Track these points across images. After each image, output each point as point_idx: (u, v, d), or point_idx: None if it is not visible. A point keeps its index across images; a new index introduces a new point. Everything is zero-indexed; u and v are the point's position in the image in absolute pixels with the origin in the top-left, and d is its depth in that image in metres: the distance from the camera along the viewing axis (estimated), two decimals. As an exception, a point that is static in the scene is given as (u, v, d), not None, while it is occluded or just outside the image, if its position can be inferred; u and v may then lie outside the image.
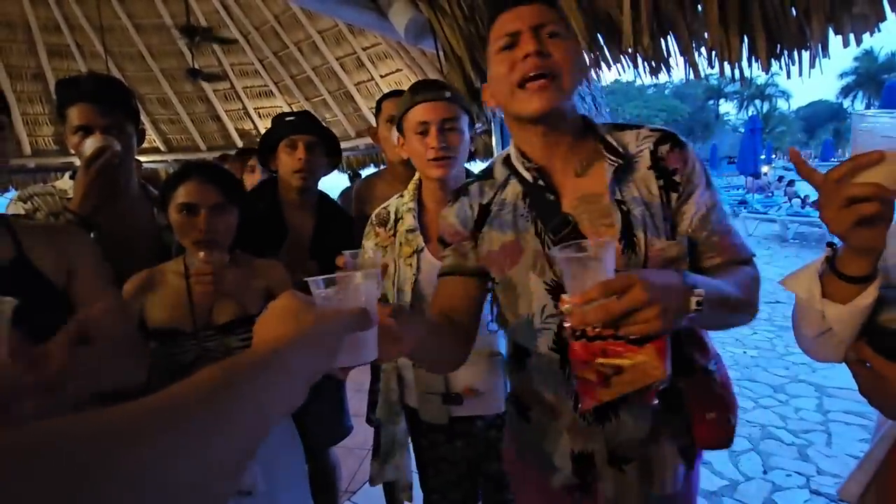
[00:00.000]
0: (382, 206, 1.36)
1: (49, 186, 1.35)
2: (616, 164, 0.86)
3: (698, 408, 0.89)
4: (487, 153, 4.16)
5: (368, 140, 4.72)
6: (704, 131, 36.95)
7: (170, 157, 5.93)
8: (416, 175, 1.36)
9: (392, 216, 1.32)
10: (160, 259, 1.29)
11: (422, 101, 1.23)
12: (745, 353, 4.54)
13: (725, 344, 4.70)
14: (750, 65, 1.59)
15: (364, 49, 5.06)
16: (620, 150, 0.87)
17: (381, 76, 5.12)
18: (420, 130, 1.22)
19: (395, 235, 1.30)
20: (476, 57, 2.09)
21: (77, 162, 1.26)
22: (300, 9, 4.89)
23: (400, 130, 1.31)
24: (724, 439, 0.90)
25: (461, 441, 1.34)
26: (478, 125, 4.00)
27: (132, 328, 0.99)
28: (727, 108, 42.41)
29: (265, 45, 5.54)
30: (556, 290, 0.88)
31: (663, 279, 0.69)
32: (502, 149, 2.51)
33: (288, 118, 1.66)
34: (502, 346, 1.30)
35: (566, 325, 0.75)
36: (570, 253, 0.71)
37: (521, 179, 0.93)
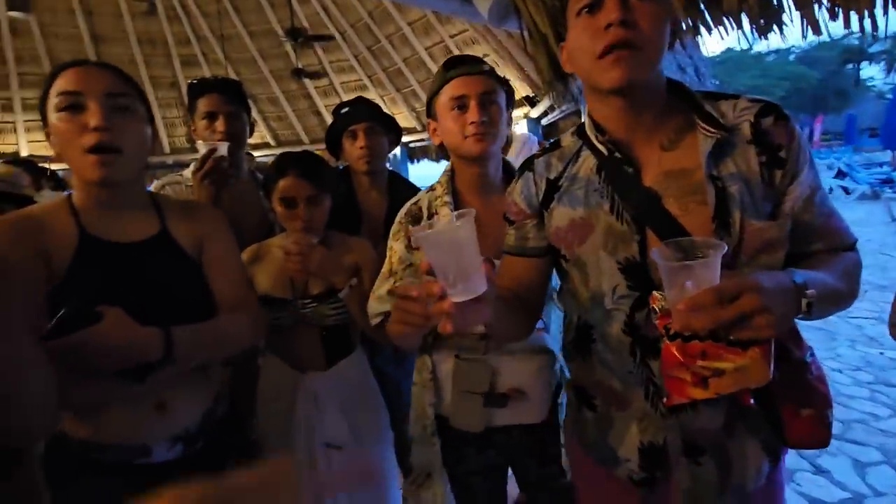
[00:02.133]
0: (411, 202, 1.24)
1: (177, 176, 1.58)
2: (714, 137, 0.78)
3: (792, 403, 0.81)
4: None
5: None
6: (839, 100, 31.45)
7: (278, 151, 6.52)
8: (448, 165, 1.26)
9: (425, 212, 1.19)
10: (265, 235, 1.47)
11: (457, 75, 1.12)
12: (881, 353, 3.92)
13: (857, 343, 4.09)
14: (886, 13, 1.36)
15: (451, 37, 5.13)
16: (720, 120, 0.79)
17: (468, 62, 5.15)
18: (456, 106, 1.11)
19: None
20: (562, 33, 2.03)
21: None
22: (391, 3, 5.08)
23: (431, 115, 1.19)
24: (822, 438, 0.81)
25: (493, 450, 1.19)
26: (564, 107, 3.86)
27: (255, 295, 1.10)
28: (871, 72, 36.08)
29: (359, 40, 5.84)
30: (629, 269, 0.83)
31: (775, 282, 0.65)
32: None
33: (343, 110, 1.73)
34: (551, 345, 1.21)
35: (656, 321, 0.71)
36: (675, 257, 0.66)
37: (596, 152, 0.87)
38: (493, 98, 1.14)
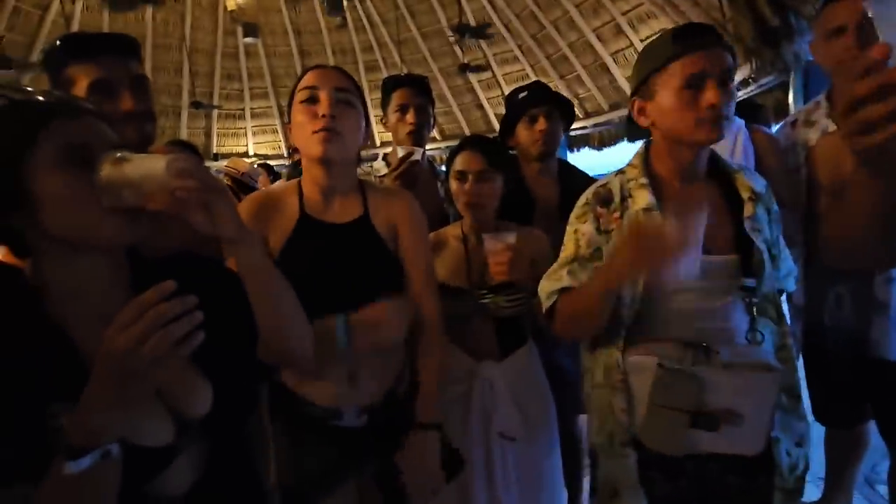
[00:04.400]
0: (598, 184, 1.14)
1: (367, 167, 1.79)
2: None
3: None
4: (780, 113, 3.28)
5: (623, 112, 4.45)
6: None
7: (443, 145, 6.92)
8: (641, 147, 1.13)
9: (616, 195, 1.08)
10: (440, 224, 1.54)
11: (692, 48, 0.97)
12: None
13: None
14: None
15: (623, 14, 4.76)
16: None
17: (642, 40, 4.73)
18: (691, 84, 0.97)
19: (621, 217, 1.07)
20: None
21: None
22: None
23: (641, 93, 1.05)
24: None
25: (686, 481, 1.02)
26: (767, 79, 3.18)
27: (436, 286, 1.19)
28: None
29: (524, 29, 5.81)
30: None
31: None
32: (802, 105, 1.96)
33: (521, 94, 1.68)
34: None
35: None
36: None
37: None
38: (732, 76, 0.98)
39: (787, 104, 3.09)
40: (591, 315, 0.97)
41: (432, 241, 1.42)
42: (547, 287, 1.07)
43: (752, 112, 1.92)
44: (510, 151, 1.76)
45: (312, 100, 1.00)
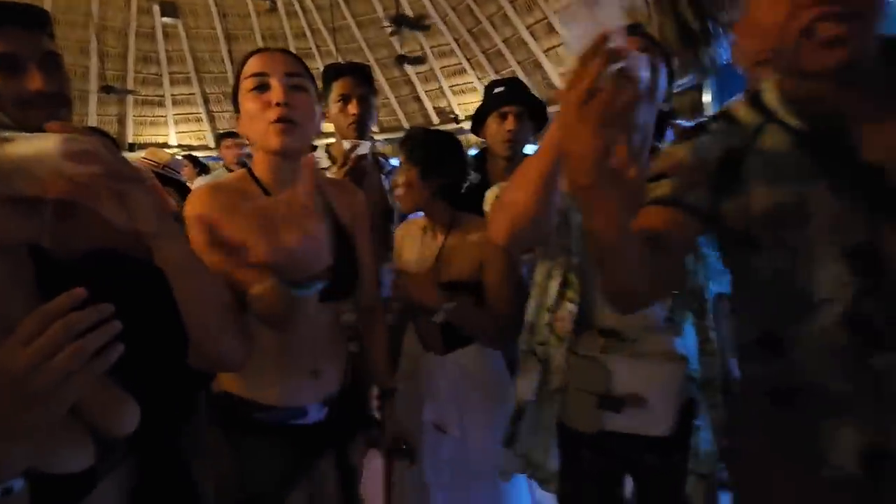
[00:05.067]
0: None
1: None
2: None
3: None
4: (696, 111, 3.61)
5: (555, 109, 4.61)
6: None
7: (381, 137, 6.82)
8: None
9: None
10: (385, 214, 1.56)
11: None
12: None
13: None
14: None
15: (556, 12, 4.92)
16: None
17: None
18: None
19: None
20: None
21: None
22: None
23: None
24: None
25: (608, 457, 1.13)
26: (685, 78, 3.48)
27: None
28: None
29: (460, 23, 5.85)
30: (855, 255, 0.74)
31: None
32: (718, 106, 2.24)
33: (497, 89, 1.69)
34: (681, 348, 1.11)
35: None
36: None
37: (790, 126, 0.76)
38: None
39: (702, 104, 3.39)
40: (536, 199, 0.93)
41: (405, 229, 1.45)
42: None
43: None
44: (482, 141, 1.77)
45: (263, 87, 0.94)
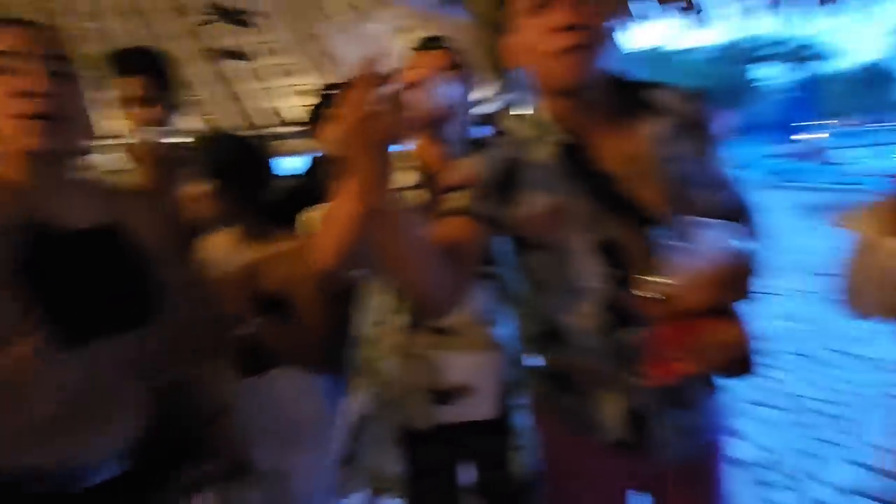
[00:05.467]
0: None
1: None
2: (659, 121, 0.89)
3: None
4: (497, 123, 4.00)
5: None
6: (735, 97, 35.26)
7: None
8: None
9: None
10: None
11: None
12: (793, 324, 4.47)
13: (777, 318, 4.56)
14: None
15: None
16: (660, 106, 0.91)
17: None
18: None
19: None
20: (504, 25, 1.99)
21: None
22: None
23: None
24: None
25: (443, 449, 1.20)
26: (499, 89, 3.81)
27: None
28: (768, 72, 40.09)
29: (284, 23, 5.49)
30: (606, 249, 0.90)
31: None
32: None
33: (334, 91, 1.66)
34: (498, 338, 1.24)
35: (645, 304, 0.77)
36: (681, 241, 0.75)
37: (554, 140, 0.93)
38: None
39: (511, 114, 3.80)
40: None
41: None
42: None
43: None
44: None
45: (9, 71, 0.74)
